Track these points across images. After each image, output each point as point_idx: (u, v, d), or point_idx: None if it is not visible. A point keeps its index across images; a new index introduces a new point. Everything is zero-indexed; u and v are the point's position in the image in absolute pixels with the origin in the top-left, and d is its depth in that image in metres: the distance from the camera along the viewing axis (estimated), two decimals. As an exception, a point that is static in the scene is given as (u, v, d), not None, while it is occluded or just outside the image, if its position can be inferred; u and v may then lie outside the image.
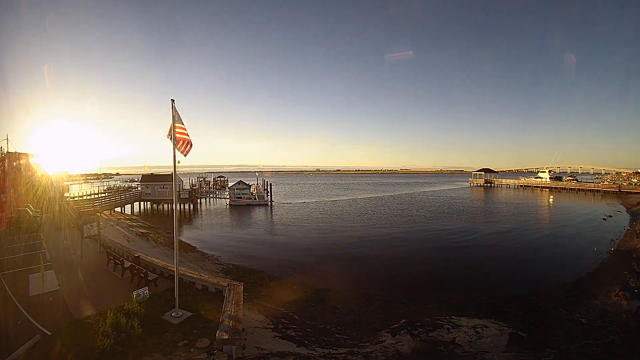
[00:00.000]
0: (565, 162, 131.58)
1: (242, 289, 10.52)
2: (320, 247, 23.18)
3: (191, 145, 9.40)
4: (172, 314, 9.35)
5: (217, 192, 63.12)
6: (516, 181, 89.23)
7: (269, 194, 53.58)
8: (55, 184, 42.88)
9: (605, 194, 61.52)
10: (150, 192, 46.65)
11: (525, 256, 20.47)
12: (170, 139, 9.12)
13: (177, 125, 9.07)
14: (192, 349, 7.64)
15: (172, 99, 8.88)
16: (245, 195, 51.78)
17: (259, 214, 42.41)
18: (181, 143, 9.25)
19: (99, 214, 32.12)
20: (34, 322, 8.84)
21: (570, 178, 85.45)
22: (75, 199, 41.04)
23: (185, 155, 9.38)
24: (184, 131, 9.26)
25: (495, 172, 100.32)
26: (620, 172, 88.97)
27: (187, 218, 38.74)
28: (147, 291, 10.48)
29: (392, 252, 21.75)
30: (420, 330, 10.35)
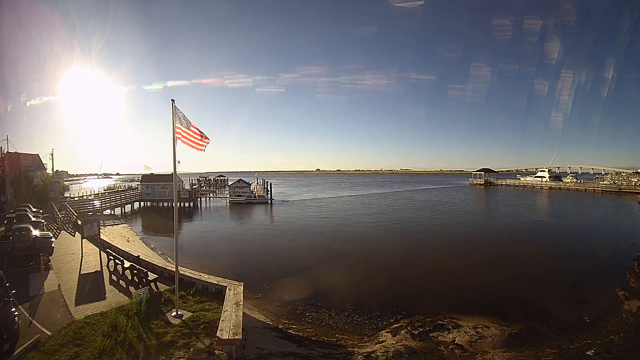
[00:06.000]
0: (565, 162, 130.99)
1: (242, 288, 10.53)
2: (320, 246, 23.17)
3: (199, 145, 9.49)
4: (172, 314, 9.35)
5: (217, 191, 63.21)
6: (516, 181, 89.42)
7: (268, 192, 53.68)
8: (55, 184, 42.90)
9: (604, 193, 61.72)
10: (150, 192, 46.69)
11: (527, 256, 20.47)
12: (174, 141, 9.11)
13: (178, 126, 9.05)
14: (192, 349, 7.65)
15: (172, 99, 8.85)
16: (246, 193, 51.90)
17: (259, 211, 42.41)
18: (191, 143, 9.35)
19: (99, 214, 32.14)
20: (34, 322, 8.85)
21: (571, 177, 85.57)
22: (76, 198, 41.12)
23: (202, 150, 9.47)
24: (184, 132, 9.23)
25: (495, 172, 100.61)
26: (620, 172, 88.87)
27: (188, 217, 38.68)
28: (147, 291, 10.47)
29: (392, 250, 21.74)
30: (420, 330, 10.34)
